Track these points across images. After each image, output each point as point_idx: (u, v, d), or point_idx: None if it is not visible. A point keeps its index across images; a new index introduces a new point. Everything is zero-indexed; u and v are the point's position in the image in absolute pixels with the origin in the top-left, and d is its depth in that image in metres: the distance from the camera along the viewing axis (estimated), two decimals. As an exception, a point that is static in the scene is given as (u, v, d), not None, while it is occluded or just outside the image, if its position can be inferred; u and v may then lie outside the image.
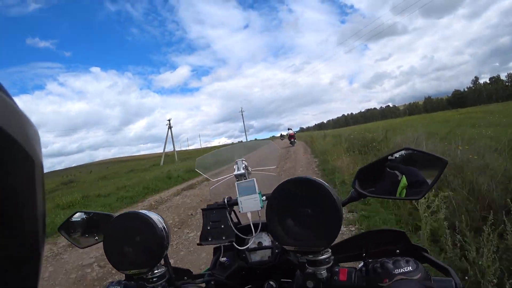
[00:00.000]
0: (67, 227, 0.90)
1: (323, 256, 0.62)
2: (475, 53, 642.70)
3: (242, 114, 52.79)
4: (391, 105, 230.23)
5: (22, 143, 0.17)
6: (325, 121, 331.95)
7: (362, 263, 0.65)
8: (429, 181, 0.65)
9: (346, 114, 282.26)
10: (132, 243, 0.70)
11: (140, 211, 0.74)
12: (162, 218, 0.75)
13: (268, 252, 0.88)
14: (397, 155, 0.70)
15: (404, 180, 0.67)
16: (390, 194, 0.70)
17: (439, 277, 0.57)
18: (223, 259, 0.91)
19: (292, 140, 20.62)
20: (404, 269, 0.53)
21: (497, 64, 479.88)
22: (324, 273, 0.62)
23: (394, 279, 0.53)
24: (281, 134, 28.75)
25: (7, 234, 0.17)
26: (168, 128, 40.98)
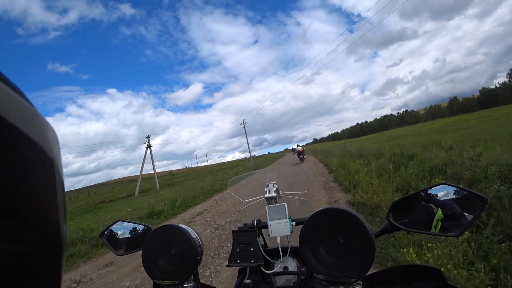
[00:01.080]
0: (107, 234, 0.95)
1: None
2: (489, 52, 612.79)
3: (244, 127, 47.44)
4: (408, 110, 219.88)
5: (42, 144, 0.18)
6: (339, 131, 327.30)
7: None
8: (468, 218, 0.63)
9: (360, 123, 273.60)
10: (169, 254, 0.75)
11: (179, 224, 0.78)
12: (197, 233, 0.78)
13: (293, 278, 0.89)
14: (434, 189, 0.68)
15: (440, 213, 0.65)
16: (425, 228, 0.68)
17: None
18: (247, 281, 0.91)
19: (301, 156, 20.94)
20: None
21: None
22: None
23: None
24: (292, 148, 28.84)
25: (28, 237, 0.17)
26: (147, 148, 36.33)
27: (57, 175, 0.20)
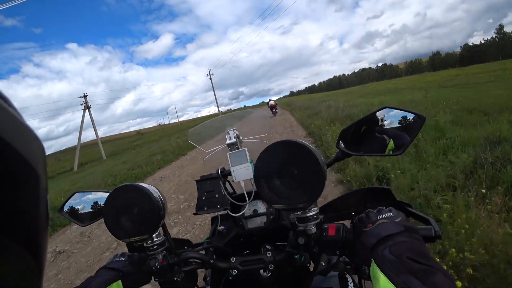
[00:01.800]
0: (68, 209, 0.95)
1: (311, 213, 0.67)
2: (470, 9, 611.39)
3: (211, 79, 41.42)
4: (387, 64, 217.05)
5: (27, 157, 0.18)
6: (316, 84, 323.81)
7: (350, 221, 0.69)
8: (409, 136, 0.72)
9: (338, 76, 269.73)
10: (130, 214, 0.74)
11: (137, 183, 0.77)
12: (158, 189, 0.78)
13: (263, 219, 0.93)
14: (378, 114, 0.75)
15: (387, 136, 0.74)
16: (374, 151, 0.77)
17: (421, 226, 0.61)
18: (220, 227, 0.95)
19: (274, 110, 21.31)
20: (386, 215, 0.58)
21: (491, 21, 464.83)
22: (313, 228, 0.67)
23: (376, 223, 0.57)
24: (269, 100, 26.63)
25: (8, 249, 0.17)
26: (84, 109, 29.88)
27: (41, 189, 0.19)
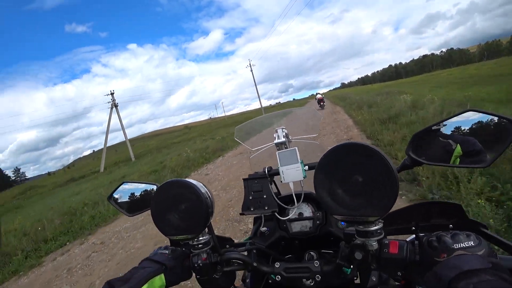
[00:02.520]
0: (116, 197, 0.98)
1: (375, 227, 0.60)
2: None
3: (251, 70, 36.96)
4: (454, 48, 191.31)
5: None
6: (369, 74, 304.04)
7: (412, 237, 0.62)
8: (498, 147, 0.59)
9: (394, 64, 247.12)
10: (178, 210, 0.74)
11: (186, 179, 0.76)
12: (206, 186, 0.77)
13: (309, 223, 0.89)
14: (460, 117, 0.63)
15: (458, 149, 0.62)
16: (450, 160, 0.64)
17: (506, 256, 0.53)
18: (263, 228, 0.93)
19: (322, 103, 21.24)
20: (464, 244, 0.50)
21: None
22: (375, 244, 0.60)
23: (453, 254, 0.50)
24: (317, 93, 25.90)
25: None
26: (112, 107, 27.89)
27: None
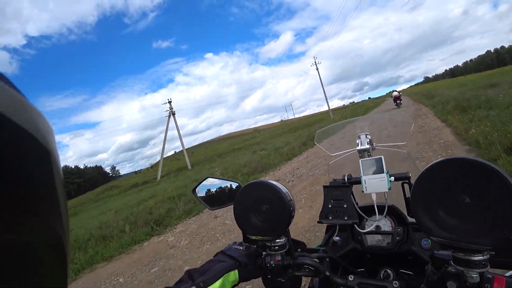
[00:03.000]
0: (199, 191, 1.02)
1: (480, 257, 0.52)
2: None
3: (317, 68, 33.84)
4: None
5: (35, 134, 0.18)
6: (460, 64, 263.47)
7: None
8: None
9: (494, 50, 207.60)
10: (261, 211, 0.75)
11: (269, 181, 0.76)
12: (288, 190, 0.77)
13: (387, 238, 0.84)
14: None
15: None
16: None
17: None
18: (336, 238, 0.90)
19: (398, 101, 19.74)
20: None
21: None
22: (476, 277, 0.52)
23: None
24: (393, 91, 23.42)
25: (30, 225, 0.17)
26: (169, 115, 27.96)
27: (54, 165, 0.20)
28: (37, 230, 0.18)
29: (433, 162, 0.55)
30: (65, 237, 0.20)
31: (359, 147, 0.89)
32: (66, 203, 0.21)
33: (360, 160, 0.84)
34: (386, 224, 0.85)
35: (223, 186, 0.99)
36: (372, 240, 0.85)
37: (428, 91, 32.91)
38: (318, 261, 0.79)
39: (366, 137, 0.90)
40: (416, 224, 0.58)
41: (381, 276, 0.78)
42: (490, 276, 0.52)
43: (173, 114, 28.08)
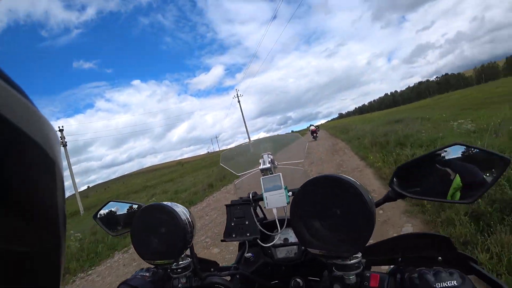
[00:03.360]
0: (101, 216, 0.96)
1: (352, 261, 0.59)
2: None
3: (239, 101, 32.71)
4: (449, 74, 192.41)
5: (43, 145, 0.18)
6: (366, 103, 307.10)
7: (393, 267, 0.61)
8: (484, 183, 0.57)
9: (391, 93, 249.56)
10: (158, 234, 0.74)
11: (166, 203, 0.77)
12: (188, 210, 0.79)
13: (294, 249, 0.88)
14: (446, 151, 0.61)
15: (458, 179, 0.58)
16: (436, 195, 0.62)
17: None
18: (248, 254, 0.92)
19: (315, 135, 21.45)
20: (447, 283, 0.48)
21: None
22: (353, 278, 0.59)
23: None
24: (310, 125, 24.54)
25: (29, 234, 0.17)
26: (62, 144, 23.03)
27: (57, 176, 0.20)
28: (34, 239, 0.18)
29: (307, 180, 0.60)
30: (61, 247, 0.21)
31: (261, 166, 0.91)
32: (65, 213, 0.22)
33: (261, 178, 0.87)
34: (292, 236, 0.88)
35: (126, 209, 0.94)
36: (281, 252, 0.88)
37: (343, 125, 34.69)
38: (229, 279, 0.82)
39: (268, 156, 0.93)
40: None
41: (292, 286, 0.81)
42: (368, 275, 0.59)
43: (64, 145, 23.08)
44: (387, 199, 0.68)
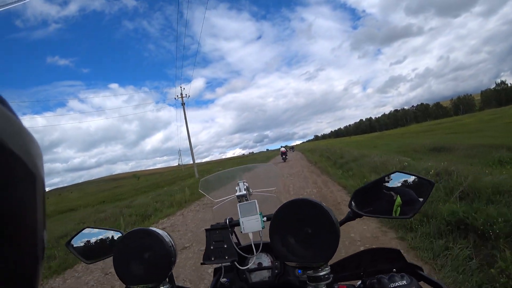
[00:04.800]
0: (75, 243, 0.96)
1: (322, 272, 0.69)
2: (493, 50, 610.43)
3: (183, 104, 25.67)
4: (425, 103, 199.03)
5: (24, 158, 0.18)
6: (342, 127, 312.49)
7: (360, 282, 0.72)
8: (419, 202, 0.74)
9: (369, 118, 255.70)
10: (141, 259, 0.77)
11: (151, 228, 0.80)
12: (170, 236, 0.83)
13: (268, 273, 0.95)
14: (390, 178, 0.79)
15: (399, 199, 0.76)
16: (384, 213, 0.78)
17: None
18: (223, 279, 0.95)
19: (284, 156, 22.69)
20: (398, 283, 0.60)
21: None
22: None
23: None
24: (281, 147, 27.31)
25: (5, 249, 0.17)
26: None
27: (38, 190, 0.20)
28: (11, 253, 0.18)
29: (283, 203, 0.71)
30: (39, 261, 0.21)
31: (237, 193, 0.99)
32: (45, 226, 0.21)
33: (238, 204, 0.93)
34: (266, 260, 0.96)
35: (103, 236, 0.95)
36: (255, 276, 0.95)
37: (317, 147, 31.50)
38: None
39: (243, 184, 1.01)
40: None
41: None
42: (336, 286, 0.70)
43: None
44: (348, 219, 0.81)
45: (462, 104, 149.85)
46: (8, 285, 0.18)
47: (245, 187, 1.01)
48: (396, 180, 0.78)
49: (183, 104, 25.07)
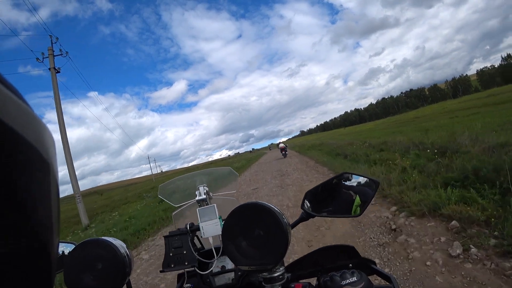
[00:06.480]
0: None
1: (276, 274, 0.73)
2: (465, 38, 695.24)
3: (54, 66, 14.64)
4: (414, 89, 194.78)
5: (38, 147, 0.19)
6: (328, 121, 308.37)
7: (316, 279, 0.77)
8: (365, 200, 0.79)
9: (351, 111, 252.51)
10: (94, 271, 0.75)
11: (103, 237, 0.80)
12: (125, 244, 0.82)
13: (231, 275, 0.96)
14: (338, 178, 0.85)
15: (358, 199, 0.81)
16: (338, 212, 0.85)
17: (382, 285, 0.70)
18: (187, 285, 0.95)
19: (284, 152, 22.61)
20: (349, 280, 0.66)
21: (488, 47, 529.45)
22: None
23: None
24: (277, 144, 28.89)
25: (19, 238, 0.18)
26: None
27: (52, 178, 0.21)
28: (25, 242, 0.18)
29: (235, 207, 0.73)
30: (54, 250, 0.21)
31: (197, 198, 1.00)
32: (59, 215, 0.22)
33: (197, 209, 0.96)
34: (229, 262, 0.96)
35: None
36: (219, 280, 0.96)
37: (304, 143, 31.79)
38: None
39: (203, 188, 1.03)
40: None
41: None
42: (292, 286, 0.73)
43: None
44: (300, 220, 0.85)
45: (460, 85, 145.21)
46: (25, 272, 0.19)
47: (205, 191, 1.02)
48: (343, 181, 0.84)
49: (53, 68, 14.23)
